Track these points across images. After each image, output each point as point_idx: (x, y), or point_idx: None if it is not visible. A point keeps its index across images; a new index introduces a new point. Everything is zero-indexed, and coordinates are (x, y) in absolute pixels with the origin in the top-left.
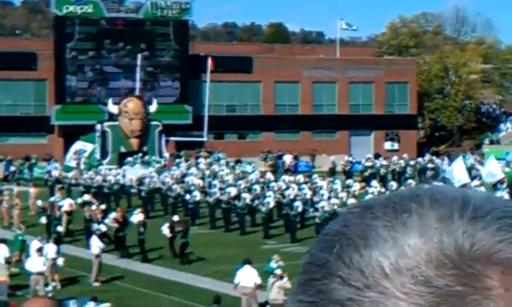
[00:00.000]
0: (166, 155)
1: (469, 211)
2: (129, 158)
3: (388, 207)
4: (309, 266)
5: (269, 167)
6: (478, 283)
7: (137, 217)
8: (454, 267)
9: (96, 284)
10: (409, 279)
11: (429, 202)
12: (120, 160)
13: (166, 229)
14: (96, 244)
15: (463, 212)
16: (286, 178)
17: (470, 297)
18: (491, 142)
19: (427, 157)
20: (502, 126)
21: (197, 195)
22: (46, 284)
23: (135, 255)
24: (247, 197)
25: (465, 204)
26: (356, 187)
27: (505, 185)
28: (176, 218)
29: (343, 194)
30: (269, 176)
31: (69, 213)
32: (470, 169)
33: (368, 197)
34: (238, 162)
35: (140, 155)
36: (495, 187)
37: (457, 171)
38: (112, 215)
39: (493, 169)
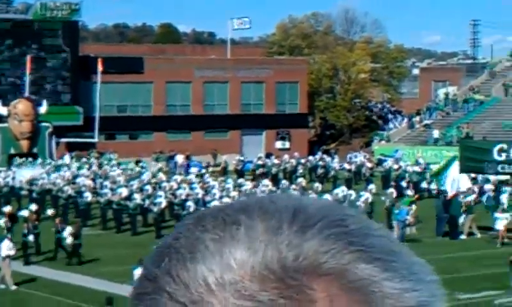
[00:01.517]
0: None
1: (299, 221)
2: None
3: (218, 219)
4: (142, 279)
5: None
6: (302, 295)
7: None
8: (277, 280)
9: (13, 287)
10: (233, 294)
11: (258, 213)
12: (9, 162)
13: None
14: (6, 247)
15: (292, 223)
16: (178, 177)
17: None
18: (381, 140)
19: (318, 155)
20: (390, 124)
21: (88, 196)
22: None
23: (20, 257)
24: (138, 197)
25: (296, 214)
26: (248, 186)
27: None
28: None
29: (235, 193)
30: (161, 176)
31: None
32: (359, 167)
33: None
34: (138, 162)
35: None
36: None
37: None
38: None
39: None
